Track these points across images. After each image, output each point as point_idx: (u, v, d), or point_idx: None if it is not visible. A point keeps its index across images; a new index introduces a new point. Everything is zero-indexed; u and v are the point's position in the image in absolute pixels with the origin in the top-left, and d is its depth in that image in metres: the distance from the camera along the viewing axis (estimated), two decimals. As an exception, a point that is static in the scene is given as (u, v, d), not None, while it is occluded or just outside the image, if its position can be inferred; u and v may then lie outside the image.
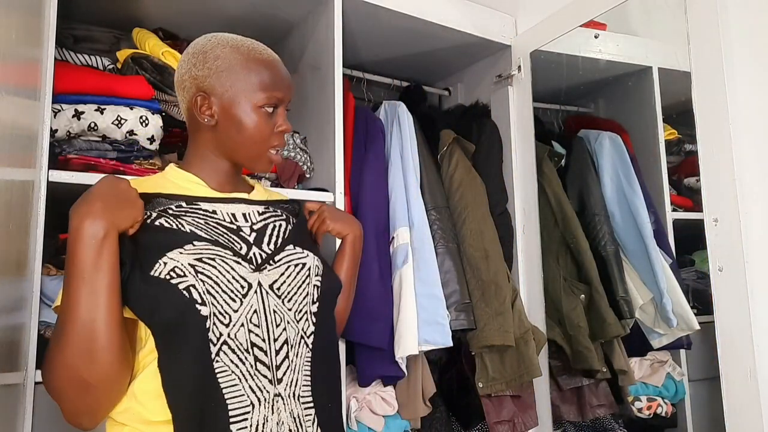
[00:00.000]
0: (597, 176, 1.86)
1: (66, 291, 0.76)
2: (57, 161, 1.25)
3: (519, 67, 1.84)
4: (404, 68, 2.06)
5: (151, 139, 1.37)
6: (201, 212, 0.90)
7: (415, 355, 1.56)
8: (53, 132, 1.25)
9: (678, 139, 1.89)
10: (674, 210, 1.84)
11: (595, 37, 1.82)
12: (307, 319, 0.91)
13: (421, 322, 1.49)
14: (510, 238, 1.82)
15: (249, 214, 0.96)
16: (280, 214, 1.01)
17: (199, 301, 0.79)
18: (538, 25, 1.79)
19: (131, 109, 1.35)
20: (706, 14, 1.25)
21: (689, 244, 1.84)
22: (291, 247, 0.95)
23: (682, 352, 1.87)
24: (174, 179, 0.96)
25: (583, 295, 1.74)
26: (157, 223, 0.86)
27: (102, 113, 1.31)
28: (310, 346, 0.90)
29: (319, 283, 0.95)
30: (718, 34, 1.22)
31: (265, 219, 0.97)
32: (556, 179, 1.83)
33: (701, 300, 1.75)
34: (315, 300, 0.93)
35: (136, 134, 1.35)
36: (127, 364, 0.79)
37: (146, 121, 1.36)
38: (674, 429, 1.84)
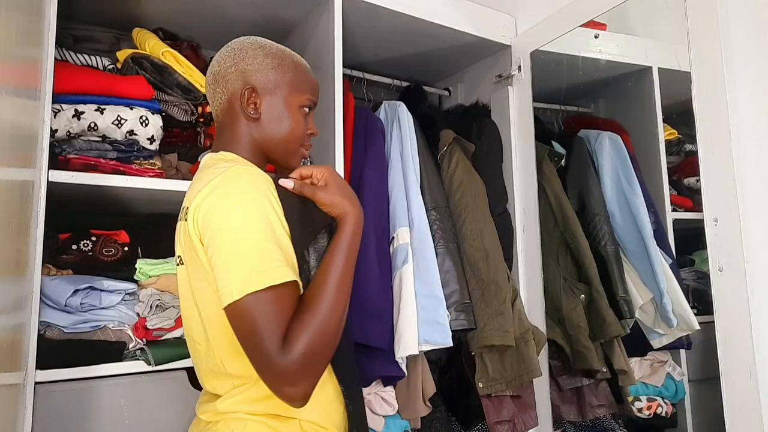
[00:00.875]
0: (597, 176, 1.86)
1: (341, 278, 0.86)
2: (57, 161, 1.25)
3: (519, 67, 1.84)
4: (404, 68, 2.06)
5: (151, 139, 1.37)
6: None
7: (415, 355, 1.56)
8: (53, 132, 1.25)
9: (678, 139, 1.88)
10: (674, 210, 1.84)
11: (595, 37, 1.82)
12: None
13: (421, 322, 1.49)
14: (510, 238, 1.82)
15: None
16: None
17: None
18: (538, 25, 1.79)
19: (131, 109, 1.35)
20: (706, 14, 1.25)
21: (689, 244, 1.83)
22: None
23: (682, 352, 1.87)
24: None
25: (583, 295, 1.74)
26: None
27: (102, 113, 1.31)
28: None
29: None
30: (718, 34, 1.22)
31: None
32: (556, 179, 1.83)
33: (701, 300, 1.75)
34: None
35: (136, 134, 1.35)
36: None
37: (146, 121, 1.36)
38: (674, 429, 1.84)
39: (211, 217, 0.82)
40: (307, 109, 0.98)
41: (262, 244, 0.80)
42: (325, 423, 0.91)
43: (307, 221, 0.90)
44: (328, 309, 0.82)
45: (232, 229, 0.81)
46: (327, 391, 0.93)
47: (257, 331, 0.77)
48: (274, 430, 0.88)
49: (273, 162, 1.02)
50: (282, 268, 0.80)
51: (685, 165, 1.89)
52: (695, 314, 1.73)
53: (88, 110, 1.30)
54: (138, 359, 1.26)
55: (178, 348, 1.30)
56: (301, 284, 0.85)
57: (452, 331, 1.52)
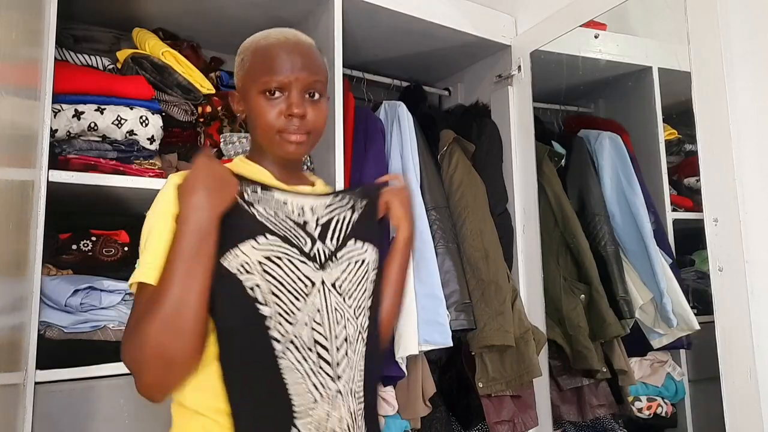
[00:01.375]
0: (597, 176, 1.86)
1: (166, 270, 0.78)
2: (57, 161, 1.25)
3: (519, 67, 1.84)
4: (404, 68, 2.06)
5: (151, 139, 1.37)
6: (273, 201, 0.89)
7: (415, 355, 1.56)
8: (53, 132, 1.25)
9: (678, 139, 1.88)
10: (674, 210, 1.84)
11: (595, 37, 1.82)
12: (364, 315, 0.92)
13: (421, 322, 1.49)
14: (510, 238, 1.82)
15: (315, 207, 0.94)
16: (346, 203, 0.98)
17: (262, 301, 0.81)
18: (538, 25, 1.80)
19: (131, 109, 1.35)
20: (706, 14, 1.25)
21: (689, 244, 1.83)
22: (352, 242, 0.94)
23: (682, 352, 1.87)
24: (245, 168, 0.96)
25: (583, 295, 1.74)
26: (237, 203, 0.86)
27: (102, 113, 1.31)
28: (366, 341, 0.91)
29: (375, 277, 0.96)
30: (718, 34, 1.22)
31: (330, 212, 0.95)
32: (556, 179, 1.83)
33: (701, 300, 1.75)
34: (370, 295, 0.94)
35: (136, 134, 1.35)
36: (203, 347, 0.80)
37: (146, 121, 1.36)
38: (674, 429, 1.84)
39: None
40: (271, 93, 0.89)
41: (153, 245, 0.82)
42: None
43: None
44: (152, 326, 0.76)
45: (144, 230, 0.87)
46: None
47: None
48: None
49: (272, 156, 0.97)
50: (152, 270, 0.80)
51: (685, 165, 1.89)
52: (695, 314, 1.73)
53: (88, 110, 1.30)
54: (138, 359, 1.26)
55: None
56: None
57: (452, 331, 1.52)
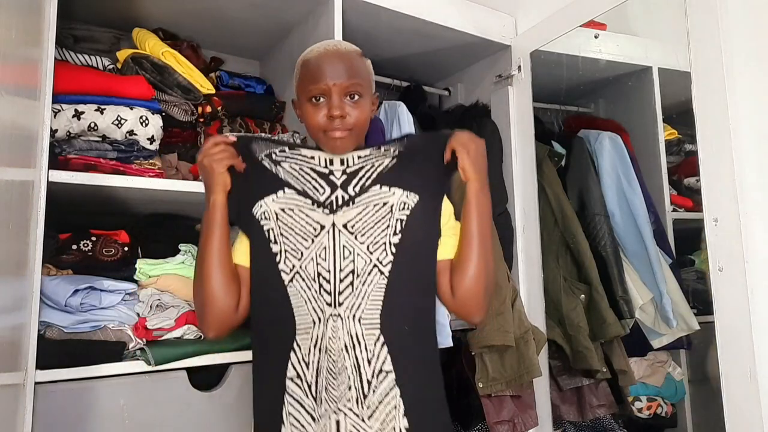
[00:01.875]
0: (597, 176, 1.86)
1: (199, 242, 1.04)
2: (57, 161, 1.25)
3: (519, 67, 1.84)
4: (404, 68, 2.06)
5: (151, 139, 1.38)
6: (300, 157, 1.06)
7: (415, 355, 1.56)
8: (53, 132, 1.25)
9: (678, 139, 1.89)
10: (674, 210, 1.85)
11: (595, 37, 1.82)
12: (384, 250, 1.02)
13: (421, 322, 1.49)
14: (510, 238, 1.82)
15: (348, 158, 1.06)
16: (383, 153, 1.07)
17: (272, 240, 1.03)
18: (538, 25, 1.80)
19: (131, 109, 1.35)
20: (706, 14, 1.25)
21: (689, 244, 1.84)
22: (377, 187, 1.05)
23: (682, 352, 1.87)
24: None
25: (583, 295, 1.74)
26: (264, 163, 1.06)
27: (102, 113, 1.31)
28: (386, 274, 1.01)
29: (404, 217, 1.04)
30: (718, 34, 1.22)
31: (363, 161, 1.07)
32: (556, 179, 1.83)
33: (701, 300, 1.75)
34: (396, 232, 1.03)
35: (136, 134, 1.35)
36: (231, 295, 1.02)
37: (146, 121, 1.36)
38: (674, 429, 1.85)
39: None
40: (316, 99, 1.02)
41: None
42: None
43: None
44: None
45: None
46: None
47: None
48: None
49: None
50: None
51: (685, 165, 1.89)
52: (695, 314, 1.73)
53: (88, 110, 1.30)
54: (138, 359, 1.26)
55: (179, 348, 1.30)
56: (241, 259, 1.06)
57: (452, 331, 1.52)
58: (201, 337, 1.37)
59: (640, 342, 1.78)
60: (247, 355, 1.36)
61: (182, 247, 1.45)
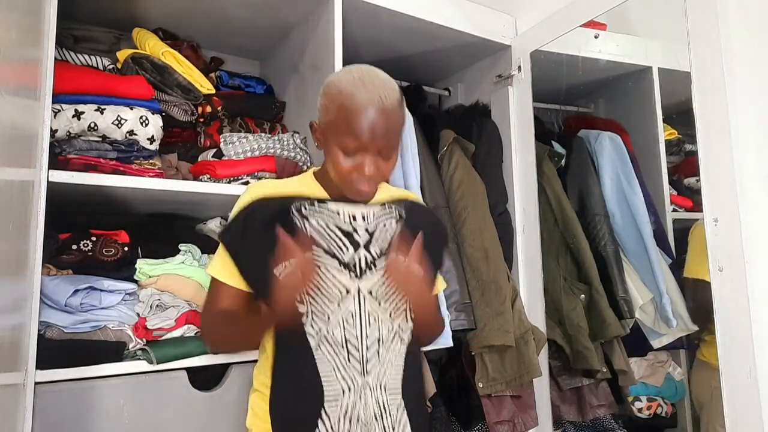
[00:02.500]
0: (597, 176, 1.86)
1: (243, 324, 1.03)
2: (57, 161, 1.25)
3: (519, 67, 1.84)
4: (404, 68, 2.06)
5: (151, 139, 1.37)
6: (327, 212, 1.04)
7: (415, 355, 1.56)
8: (53, 132, 1.25)
9: (678, 139, 1.89)
10: (674, 210, 1.84)
11: (595, 37, 1.82)
12: (405, 317, 1.04)
13: (421, 322, 1.49)
14: (510, 238, 1.82)
15: (367, 214, 1.06)
16: (392, 212, 1.09)
17: (300, 300, 0.97)
18: (538, 25, 1.79)
19: (131, 109, 1.35)
20: (706, 14, 1.25)
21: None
22: (394, 255, 1.01)
23: (682, 352, 1.87)
24: (310, 186, 1.09)
25: (583, 295, 1.74)
26: (294, 220, 1.02)
27: (102, 113, 1.31)
28: (405, 340, 1.04)
29: None
30: (718, 34, 1.22)
31: (378, 219, 1.07)
32: (556, 179, 1.83)
33: (701, 300, 1.75)
34: None
35: (136, 134, 1.35)
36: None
37: (146, 121, 1.36)
38: (674, 429, 1.85)
39: None
40: (350, 152, 0.98)
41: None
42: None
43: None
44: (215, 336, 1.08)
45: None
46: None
47: None
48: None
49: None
50: (222, 271, 1.03)
51: (685, 165, 1.89)
52: (695, 314, 1.73)
53: (88, 110, 1.30)
54: (138, 359, 1.26)
55: (179, 347, 1.30)
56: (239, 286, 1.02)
57: (452, 331, 1.52)
58: (201, 334, 1.37)
59: (640, 342, 1.78)
60: (247, 355, 1.36)
61: (182, 247, 1.45)
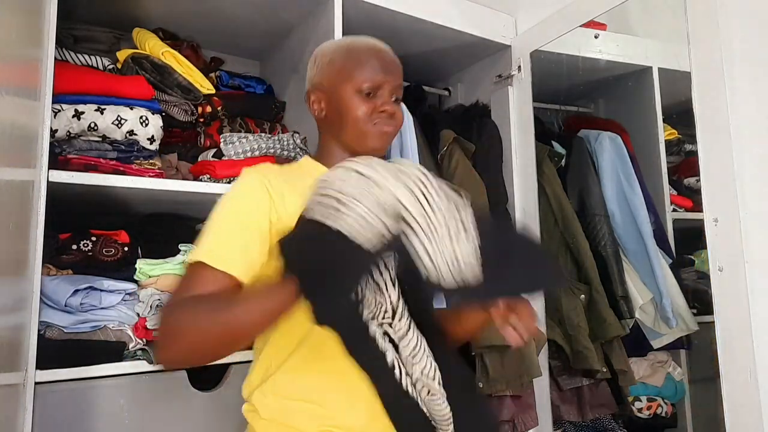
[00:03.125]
0: (597, 176, 1.86)
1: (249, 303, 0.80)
2: (57, 161, 1.25)
3: (519, 67, 1.84)
4: (404, 68, 2.04)
5: (151, 139, 1.37)
6: None
7: (415, 355, 1.56)
8: (53, 132, 1.25)
9: (678, 139, 1.89)
10: (674, 210, 1.84)
11: (595, 37, 1.82)
12: None
13: (421, 322, 1.49)
14: (510, 238, 1.81)
15: None
16: None
17: None
18: (538, 25, 1.79)
19: (131, 109, 1.35)
20: (706, 14, 1.25)
21: (689, 244, 1.84)
22: None
23: (682, 352, 1.87)
24: (310, 171, 1.00)
25: (583, 295, 1.74)
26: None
27: (102, 113, 1.31)
28: None
29: None
30: (718, 34, 1.22)
31: None
32: (556, 179, 1.83)
33: (701, 300, 1.75)
34: None
35: (136, 134, 1.35)
36: None
37: (146, 121, 1.36)
38: (674, 429, 1.84)
39: None
40: (366, 92, 0.98)
41: (223, 230, 0.88)
42: None
43: None
44: (210, 323, 0.77)
45: (214, 213, 0.90)
46: None
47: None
48: None
49: (353, 151, 0.99)
50: (219, 254, 0.84)
51: (685, 165, 1.89)
52: (695, 314, 1.73)
53: (88, 110, 1.30)
54: (138, 359, 1.26)
55: (178, 348, 1.30)
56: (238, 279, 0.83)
57: (452, 331, 1.52)
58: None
59: (640, 342, 1.78)
60: (247, 355, 1.36)
61: (182, 247, 1.45)
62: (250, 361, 1.36)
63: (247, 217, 0.88)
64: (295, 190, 0.88)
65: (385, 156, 1.08)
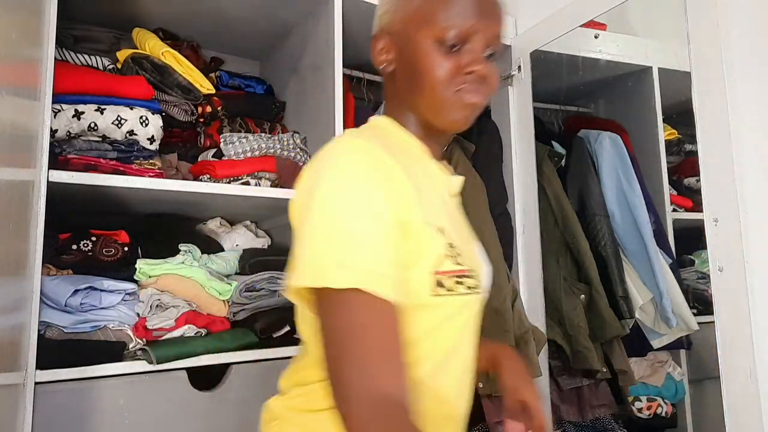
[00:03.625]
0: (597, 176, 1.86)
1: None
2: (57, 161, 1.25)
3: (519, 67, 1.84)
4: (404, 68, 2.06)
5: (151, 139, 1.38)
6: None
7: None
8: (53, 132, 1.25)
9: (678, 139, 1.88)
10: (674, 210, 1.84)
11: (595, 37, 1.82)
12: None
13: (421, 322, 1.49)
14: (510, 238, 1.82)
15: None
16: None
17: None
18: (538, 25, 1.79)
19: (131, 109, 1.35)
20: (706, 14, 1.24)
21: (689, 244, 1.83)
22: None
23: (682, 352, 1.87)
24: (405, 141, 0.79)
25: (583, 295, 1.74)
26: None
27: (102, 113, 1.31)
28: None
29: None
30: (718, 34, 1.22)
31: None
32: (556, 179, 1.83)
33: (701, 300, 1.75)
34: None
35: (136, 134, 1.35)
36: None
37: (146, 121, 1.36)
38: (674, 429, 1.84)
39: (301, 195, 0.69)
40: (449, 43, 0.72)
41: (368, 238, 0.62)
42: None
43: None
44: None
45: (322, 209, 0.64)
46: None
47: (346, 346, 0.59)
48: None
49: (427, 124, 0.78)
50: (378, 276, 0.61)
51: (685, 165, 1.89)
52: (695, 314, 1.73)
53: (88, 110, 1.30)
54: (138, 359, 1.26)
55: (179, 347, 1.30)
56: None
57: (452, 331, 1.52)
58: (201, 333, 1.37)
59: (640, 342, 1.78)
60: (247, 354, 1.36)
61: (182, 247, 1.45)
62: (250, 362, 1.37)
63: (383, 216, 0.64)
64: (412, 177, 0.70)
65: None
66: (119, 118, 1.32)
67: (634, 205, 1.78)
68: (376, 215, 0.63)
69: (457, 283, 0.68)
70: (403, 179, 0.67)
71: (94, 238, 1.38)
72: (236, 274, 1.54)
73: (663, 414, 1.82)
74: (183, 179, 1.47)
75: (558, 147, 1.92)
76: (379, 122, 0.82)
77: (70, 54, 1.39)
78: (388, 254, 0.62)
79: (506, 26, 0.78)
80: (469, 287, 0.70)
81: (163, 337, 1.33)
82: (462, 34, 0.72)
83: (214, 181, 1.45)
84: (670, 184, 1.85)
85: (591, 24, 1.66)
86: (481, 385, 1.59)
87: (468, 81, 0.73)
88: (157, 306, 1.34)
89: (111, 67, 1.44)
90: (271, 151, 1.55)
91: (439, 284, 0.67)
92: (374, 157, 0.67)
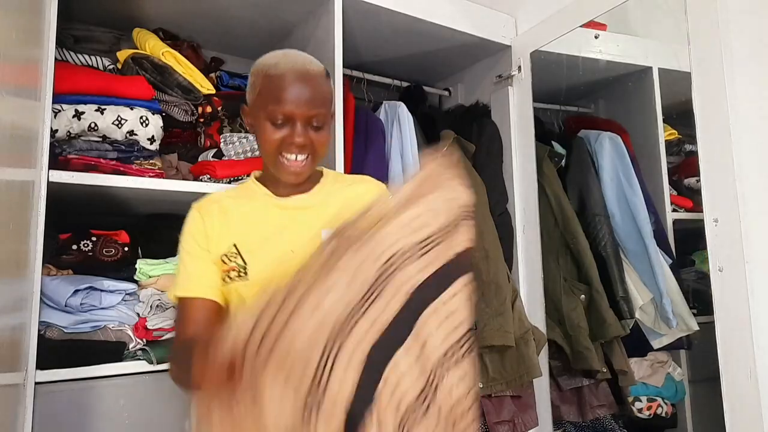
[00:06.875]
0: (597, 176, 1.86)
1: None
2: (57, 161, 1.25)
3: (519, 67, 1.84)
4: (404, 68, 2.06)
5: (152, 140, 1.37)
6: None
7: (415, 355, 1.55)
8: (53, 132, 1.25)
9: (678, 139, 1.89)
10: (674, 210, 1.84)
11: (595, 37, 1.82)
12: None
13: (421, 322, 1.49)
14: (510, 238, 1.82)
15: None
16: None
17: None
18: (538, 25, 1.79)
19: (131, 109, 1.35)
20: (706, 14, 1.25)
21: (689, 244, 1.83)
22: None
23: (682, 352, 1.87)
24: (255, 191, 1.06)
25: (583, 296, 1.74)
26: None
27: (102, 113, 1.31)
28: None
29: None
30: (718, 34, 1.22)
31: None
32: (556, 179, 1.83)
33: (701, 300, 1.75)
34: None
35: (136, 134, 1.35)
36: None
37: (146, 122, 1.36)
38: (674, 429, 1.84)
39: None
40: (277, 121, 0.95)
41: (184, 265, 1.00)
42: None
43: None
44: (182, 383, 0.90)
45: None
46: None
47: None
48: None
49: (278, 179, 1.03)
50: (187, 285, 0.98)
51: (685, 165, 1.89)
52: (695, 314, 1.73)
53: (89, 110, 1.30)
54: (138, 359, 1.26)
55: (178, 348, 1.30)
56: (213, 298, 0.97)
57: (452, 331, 1.52)
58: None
59: (640, 342, 1.78)
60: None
61: (182, 247, 1.45)
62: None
63: (194, 250, 1.00)
64: (237, 212, 1.02)
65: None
66: (119, 118, 1.32)
67: (634, 205, 1.78)
68: (187, 253, 1.01)
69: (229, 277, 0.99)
70: (212, 230, 1.01)
71: (94, 238, 1.38)
72: (236, 274, 1.54)
73: (663, 414, 1.82)
74: (183, 179, 1.47)
75: (558, 147, 1.92)
76: (249, 184, 1.09)
77: (70, 54, 1.39)
78: (195, 272, 0.99)
79: (327, 104, 0.99)
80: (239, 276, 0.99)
81: (164, 337, 1.33)
82: (285, 116, 0.95)
83: (214, 181, 1.45)
84: (670, 184, 1.85)
85: (591, 24, 1.66)
86: (481, 385, 1.59)
87: (290, 146, 0.96)
88: (157, 306, 1.34)
89: (111, 67, 1.44)
90: (271, 151, 1.55)
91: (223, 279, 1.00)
92: (197, 217, 1.03)
